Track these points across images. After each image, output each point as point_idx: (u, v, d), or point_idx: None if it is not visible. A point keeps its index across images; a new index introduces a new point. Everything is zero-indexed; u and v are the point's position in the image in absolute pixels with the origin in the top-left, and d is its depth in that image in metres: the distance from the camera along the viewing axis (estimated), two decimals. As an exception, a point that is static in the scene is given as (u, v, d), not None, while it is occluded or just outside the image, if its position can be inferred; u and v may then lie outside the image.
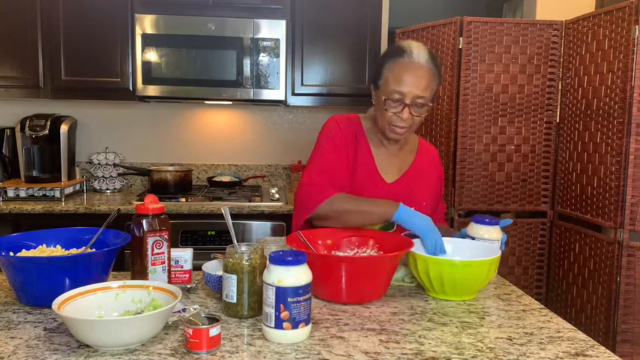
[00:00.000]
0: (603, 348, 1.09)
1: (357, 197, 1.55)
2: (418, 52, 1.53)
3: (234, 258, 1.18)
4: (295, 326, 1.06)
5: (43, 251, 1.35)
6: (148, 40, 2.79)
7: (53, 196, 2.80)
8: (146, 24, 2.79)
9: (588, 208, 2.51)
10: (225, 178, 3.16)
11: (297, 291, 1.06)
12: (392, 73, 1.53)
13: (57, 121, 2.94)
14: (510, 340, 1.12)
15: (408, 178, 1.66)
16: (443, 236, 1.45)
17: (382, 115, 1.56)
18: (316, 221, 1.56)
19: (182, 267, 1.36)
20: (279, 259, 1.07)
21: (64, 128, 2.94)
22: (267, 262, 1.10)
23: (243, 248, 1.20)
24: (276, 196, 2.85)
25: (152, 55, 2.80)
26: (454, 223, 2.76)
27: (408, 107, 1.51)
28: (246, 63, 2.83)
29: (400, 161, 1.68)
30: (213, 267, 1.38)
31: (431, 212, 1.65)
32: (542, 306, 1.33)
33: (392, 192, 1.61)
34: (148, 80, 2.81)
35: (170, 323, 1.12)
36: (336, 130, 1.62)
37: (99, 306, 1.11)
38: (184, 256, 1.37)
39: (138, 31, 2.79)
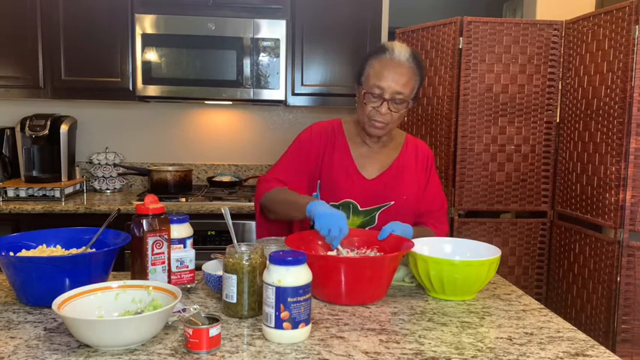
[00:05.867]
0: (603, 348, 1.09)
1: (289, 191, 1.62)
2: (400, 50, 1.59)
3: (234, 258, 1.18)
4: (295, 326, 1.06)
5: (43, 251, 1.35)
6: (148, 40, 2.79)
7: (53, 196, 2.80)
8: (146, 24, 2.79)
9: (588, 208, 2.51)
10: (225, 178, 3.16)
11: (297, 291, 1.06)
12: (373, 69, 1.59)
13: (57, 121, 2.94)
14: (510, 340, 1.12)
15: (390, 174, 1.70)
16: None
17: (362, 110, 1.62)
18: (264, 213, 1.69)
19: (187, 267, 1.37)
20: (279, 259, 1.07)
21: (64, 128, 2.94)
22: (267, 262, 1.10)
23: (243, 248, 1.20)
24: (276, 196, 2.84)
25: (152, 55, 2.80)
26: (454, 223, 2.76)
27: (387, 102, 1.57)
28: (246, 63, 2.83)
29: (383, 158, 1.72)
30: (213, 267, 1.38)
31: (415, 206, 1.70)
32: (542, 306, 1.33)
33: (370, 188, 1.68)
34: (148, 80, 2.81)
35: (170, 323, 1.12)
36: (306, 139, 1.72)
37: (99, 306, 1.11)
38: (189, 255, 1.37)
39: (138, 31, 2.79)
